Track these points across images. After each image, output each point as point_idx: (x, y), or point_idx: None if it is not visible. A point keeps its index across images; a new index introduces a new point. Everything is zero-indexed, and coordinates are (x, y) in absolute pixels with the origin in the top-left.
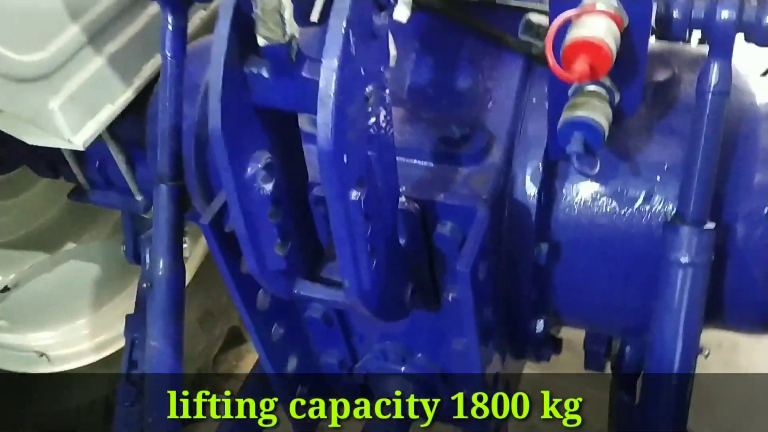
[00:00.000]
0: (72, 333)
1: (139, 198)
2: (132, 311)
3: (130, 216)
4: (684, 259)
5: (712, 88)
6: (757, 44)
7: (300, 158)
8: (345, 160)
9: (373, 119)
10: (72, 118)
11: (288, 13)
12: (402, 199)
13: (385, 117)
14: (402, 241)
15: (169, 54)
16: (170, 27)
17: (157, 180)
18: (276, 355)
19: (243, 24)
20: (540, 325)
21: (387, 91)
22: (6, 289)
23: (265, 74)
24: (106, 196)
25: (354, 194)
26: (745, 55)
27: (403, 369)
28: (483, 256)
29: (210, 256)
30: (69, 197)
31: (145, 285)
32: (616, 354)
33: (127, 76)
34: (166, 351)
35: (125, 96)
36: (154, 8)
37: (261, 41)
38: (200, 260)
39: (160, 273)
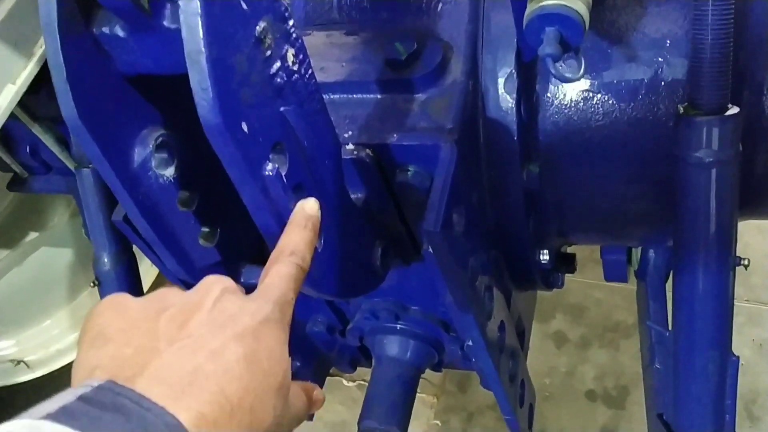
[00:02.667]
0: (48, 331)
1: None
2: None
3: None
4: (706, 158)
5: None
6: None
7: None
8: (245, 128)
9: (277, 64)
10: None
11: None
12: (350, 146)
13: (296, 56)
14: (359, 197)
15: None
16: None
17: (77, 164)
18: None
19: None
20: (545, 255)
21: (291, 22)
22: None
23: (121, 33)
24: (48, 181)
25: (269, 167)
26: None
27: (398, 326)
28: (456, 203)
29: None
30: (9, 189)
31: (92, 285)
32: (639, 260)
33: (25, 48)
34: None
35: (27, 71)
36: None
37: None
38: None
39: (106, 268)
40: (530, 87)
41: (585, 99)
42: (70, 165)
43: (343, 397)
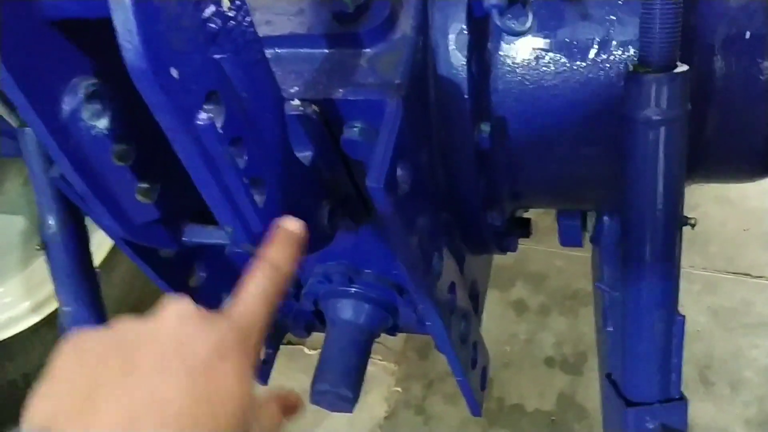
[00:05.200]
0: (2, 298)
1: None
2: None
3: None
4: (655, 116)
5: None
6: None
7: None
8: (174, 74)
9: (210, 9)
10: None
11: None
12: (296, 102)
13: (232, 1)
14: (307, 155)
15: None
16: None
17: (18, 123)
18: (203, 302)
19: None
20: (496, 218)
21: None
22: None
23: None
24: None
25: (203, 117)
26: None
27: (353, 290)
28: (403, 158)
29: None
30: None
31: (37, 248)
32: (594, 225)
33: None
34: (83, 314)
35: None
36: None
37: None
38: None
39: (51, 231)
40: (482, 44)
41: (537, 58)
42: (16, 126)
43: (305, 365)
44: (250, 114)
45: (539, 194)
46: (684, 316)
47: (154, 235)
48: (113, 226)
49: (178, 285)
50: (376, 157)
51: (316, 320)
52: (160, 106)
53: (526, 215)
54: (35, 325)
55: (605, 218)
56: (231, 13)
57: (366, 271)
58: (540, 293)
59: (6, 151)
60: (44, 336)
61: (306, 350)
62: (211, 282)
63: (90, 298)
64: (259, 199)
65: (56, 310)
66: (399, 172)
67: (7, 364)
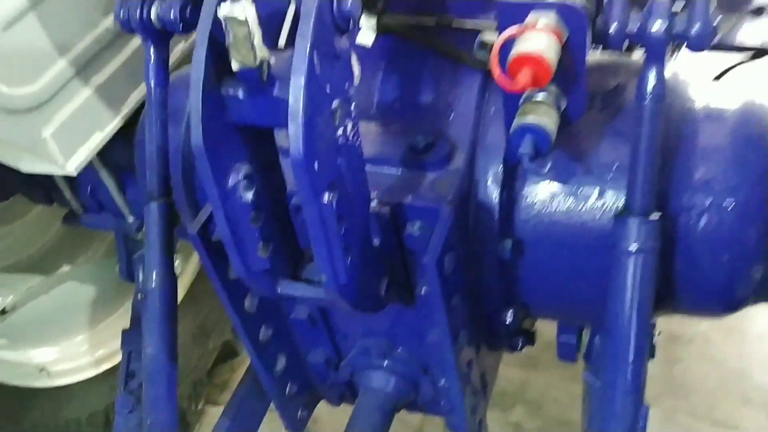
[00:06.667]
0: (71, 349)
1: (130, 219)
2: (128, 327)
3: (123, 237)
4: (632, 247)
5: (649, 93)
6: (690, 50)
7: (278, 169)
8: (316, 167)
9: (340, 130)
10: (64, 145)
11: (257, 40)
12: (374, 203)
13: (352, 128)
14: (376, 241)
15: (153, 82)
16: (153, 58)
17: (147, 199)
18: (265, 355)
19: (218, 51)
20: (509, 316)
21: (353, 105)
22: (4, 311)
23: (240, 95)
24: (99, 218)
25: (326, 197)
26: (699, 61)
27: (385, 363)
28: (448, 249)
29: (202, 273)
30: (63, 222)
31: (138, 296)
32: (587, 343)
33: (115, 105)
34: (161, 356)
35: (114, 123)
36: (137, 41)
37: (235, 66)
38: (192, 277)
39: (152, 285)
40: (511, 184)
41: (551, 197)
42: (124, 208)
43: None
44: (350, 201)
45: (544, 304)
46: (649, 405)
47: (262, 281)
48: (240, 268)
49: (252, 336)
50: (432, 243)
51: (347, 391)
52: (304, 185)
53: (532, 330)
54: (94, 377)
55: (596, 339)
56: (350, 135)
57: (399, 348)
58: (537, 418)
59: (105, 224)
60: (100, 387)
61: None
62: (274, 340)
63: (169, 343)
64: (348, 259)
65: (114, 366)
66: (446, 257)
67: (65, 406)
